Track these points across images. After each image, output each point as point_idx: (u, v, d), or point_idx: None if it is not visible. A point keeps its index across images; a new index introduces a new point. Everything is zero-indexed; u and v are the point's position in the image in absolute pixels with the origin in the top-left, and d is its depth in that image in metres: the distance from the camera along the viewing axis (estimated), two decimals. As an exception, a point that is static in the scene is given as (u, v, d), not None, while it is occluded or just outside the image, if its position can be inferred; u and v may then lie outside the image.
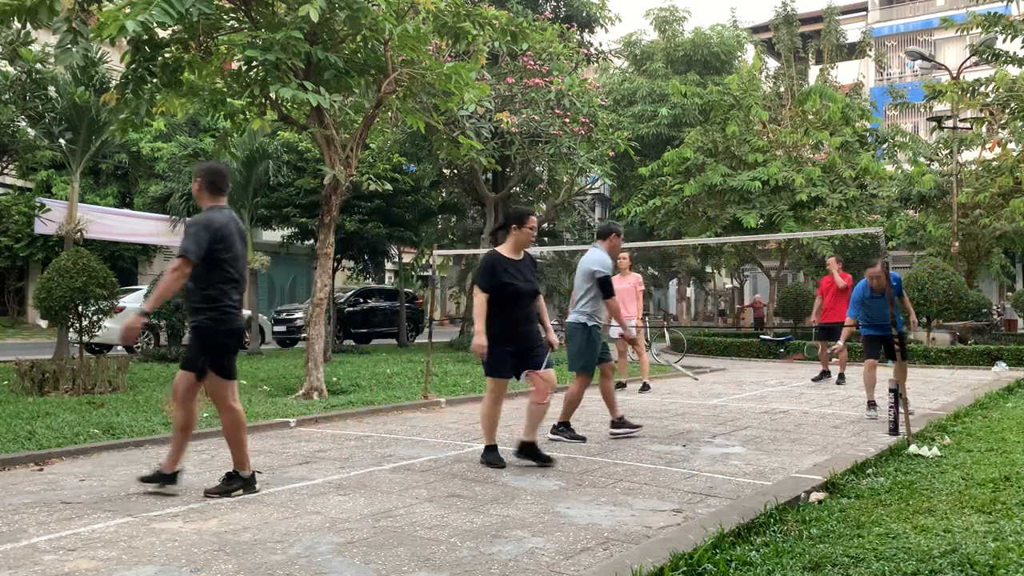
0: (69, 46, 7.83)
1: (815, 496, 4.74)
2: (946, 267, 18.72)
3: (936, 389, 11.33)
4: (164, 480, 4.98)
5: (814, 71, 31.98)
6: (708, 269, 34.48)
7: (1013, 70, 16.10)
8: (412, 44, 9.00)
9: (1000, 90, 14.89)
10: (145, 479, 4.99)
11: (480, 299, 5.73)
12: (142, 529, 4.22)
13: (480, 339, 5.67)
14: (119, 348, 16.25)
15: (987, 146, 21.55)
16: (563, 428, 7.07)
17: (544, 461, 5.84)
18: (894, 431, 7.01)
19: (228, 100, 9.96)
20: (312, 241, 16.98)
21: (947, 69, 22.76)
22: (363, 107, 10.34)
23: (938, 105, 17.69)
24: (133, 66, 8.59)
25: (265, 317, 20.51)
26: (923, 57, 21.36)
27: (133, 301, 15.95)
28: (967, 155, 24.31)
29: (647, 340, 12.07)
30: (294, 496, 4.97)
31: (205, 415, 7.89)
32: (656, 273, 37.67)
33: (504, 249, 5.98)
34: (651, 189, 22.16)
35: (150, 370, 12.43)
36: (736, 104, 20.56)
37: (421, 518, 4.46)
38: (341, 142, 9.73)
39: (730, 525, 3.97)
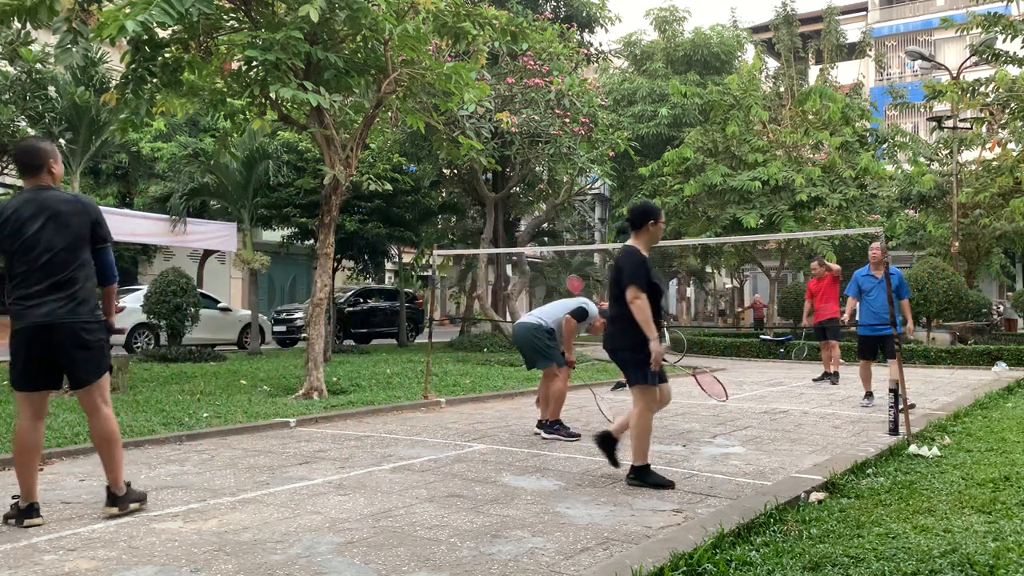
0: (69, 46, 7.83)
1: (815, 496, 4.74)
2: (946, 267, 18.73)
3: (936, 389, 11.33)
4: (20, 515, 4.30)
5: (814, 71, 31.99)
6: (708, 269, 34.48)
7: (1013, 70, 16.10)
8: (412, 44, 9.00)
9: (1000, 90, 14.89)
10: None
11: (644, 301, 5.10)
12: (142, 529, 4.22)
13: (658, 346, 5.07)
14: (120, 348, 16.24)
15: (987, 146, 21.54)
16: (558, 426, 7.16)
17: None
18: (894, 431, 7.01)
19: (228, 100, 9.97)
20: (312, 241, 16.97)
21: (947, 69, 22.76)
22: (363, 107, 10.34)
23: (938, 105, 17.70)
24: (133, 66, 8.58)
25: (265, 317, 20.51)
26: (923, 57, 21.36)
27: (133, 301, 15.97)
28: (967, 155, 24.30)
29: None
30: (294, 496, 4.97)
31: (205, 415, 7.90)
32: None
33: (640, 246, 5.37)
34: (651, 189, 22.16)
35: (150, 370, 12.43)
36: (736, 104, 20.56)
37: (421, 518, 4.46)
38: (341, 142, 9.73)
39: (730, 525, 3.97)
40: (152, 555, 3.80)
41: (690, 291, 43.11)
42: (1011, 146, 21.35)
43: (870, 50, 36.26)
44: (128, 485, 4.54)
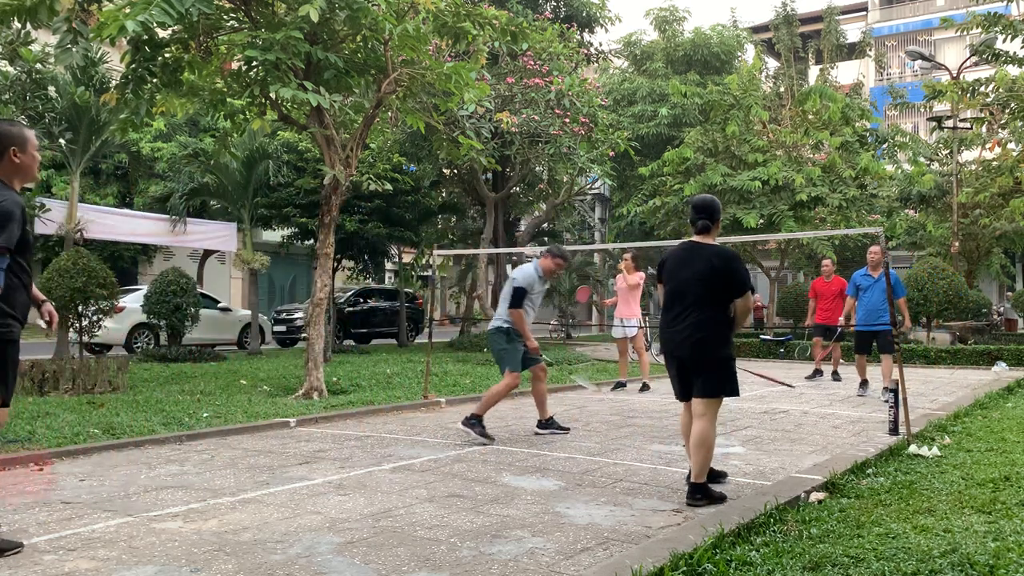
0: (69, 46, 7.83)
1: (815, 496, 4.74)
2: (946, 267, 18.71)
3: (936, 389, 11.33)
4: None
5: (814, 71, 31.96)
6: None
7: (1013, 70, 16.09)
8: (412, 44, 9.00)
9: (1000, 90, 14.88)
10: None
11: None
12: (142, 529, 4.22)
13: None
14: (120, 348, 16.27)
15: (987, 146, 21.53)
16: (475, 422, 6.94)
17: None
18: (894, 431, 7.01)
19: (228, 100, 9.97)
20: (312, 241, 16.97)
21: (947, 69, 22.75)
22: (363, 107, 10.34)
23: (938, 105, 17.68)
24: (133, 66, 8.59)
25: (265, 317, 20.52)
26: (923, 57, 21.35)
27: (133, 301, 15.96)
28: (967, 155, 24.29)
29: (647, 340, 12.08)
30: (294, 496, 4.97)
31: (205, 415, 7.90)
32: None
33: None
34: (651, 189, 22.15)
35: (150, 370, 12.43)
36: (736, 104, 20.55)
37: (421, 518, 4.46)
38: (341, 142, 9.73)
39: (730, 525, 3.97)
40: (152, 555, 3.80)
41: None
42: (1011, 146, 21.33)
43: (870, 50, 36.25)
44: None
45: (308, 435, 7.32)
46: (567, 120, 16.41)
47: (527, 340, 7.14)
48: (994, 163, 21.58)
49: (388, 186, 14.72)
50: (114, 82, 11.32)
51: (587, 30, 22.62)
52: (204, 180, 17.06)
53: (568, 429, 7.52)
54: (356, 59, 9.61)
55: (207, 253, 22.85)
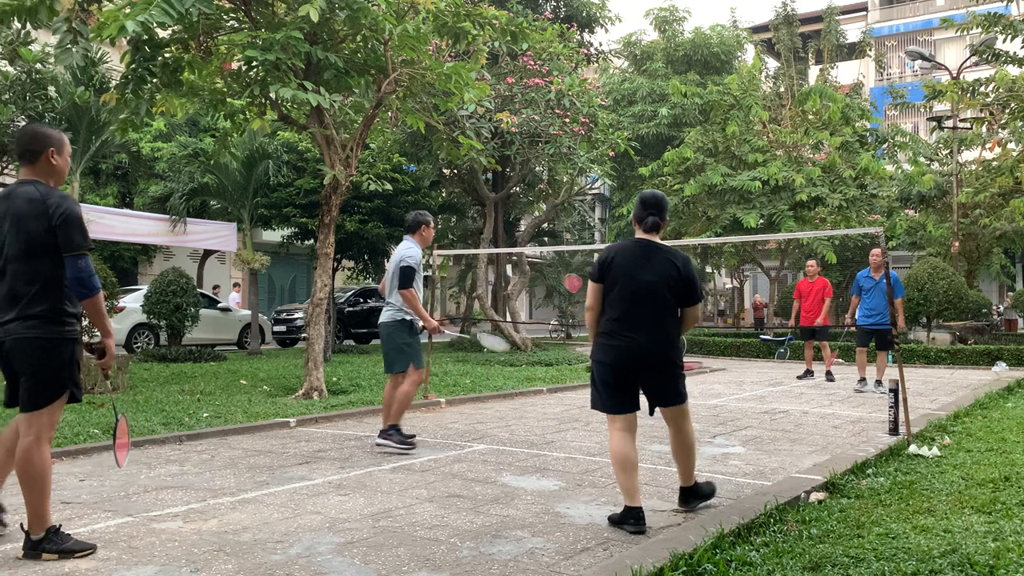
0: (69, 46, 7.82)
1: (815, 496, 4.74)
2: (946, 267, 18.72)
3: (936, 389, 11.33)
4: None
5: (814, 71, 31.96)
6: (708, 269, 34.45)
7: (1013, 70, 16.10)
8: (412, 44, 9.00)
9: (1000, 90, 14.88)
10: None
11: None
12: (142, 529, 4.22)
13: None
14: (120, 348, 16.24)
15: (987, 146, 21.52)
16: (394, 431, 6.49)
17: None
18: (894, 431, 7.01)
19: (228, 100, 9.96)
20: (312, 241, 16.97)
21: (947, 69, 22.75)
22: (363, 107, 10.33)
23: (938, 105, 17.69)
24: (133, 66, 8.58)
25: (265, 317, 20.51)
26: (923, 57, 21.35)
27: (133, 301, 15.96)
28: (967, 155, 24.29)
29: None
30: (294, 496, 4.97)
31: (205, 415, 7.90)
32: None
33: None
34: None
35: (150, 370, 12.43)
36: (736, 104, 20.56)
37: (421, 518, 4.46)
38: (341, 142, 9.73)
39: (730, 525, 3.97)
40: (152, 555, 3.80)
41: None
42: (1011, 146, 21.33)
43: (870, 50, 36.23)
44: (56, 531, 3.80)
45: (308, 435, 7.32)
46: (567, 120, 16.41)
47: (426, 321, 6.50)
48: (994, 163, 21.58)
49: (388, 186, 14.72)
50: (114, 82, 11.32)
51: (587, 30, 22.62)
52: (204, 180, 17.06)
53: (413, 443, 6.57)
54: (356, 59, 9.61)
55: (207, 253, 22.84)
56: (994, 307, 27.10)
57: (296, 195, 16.66)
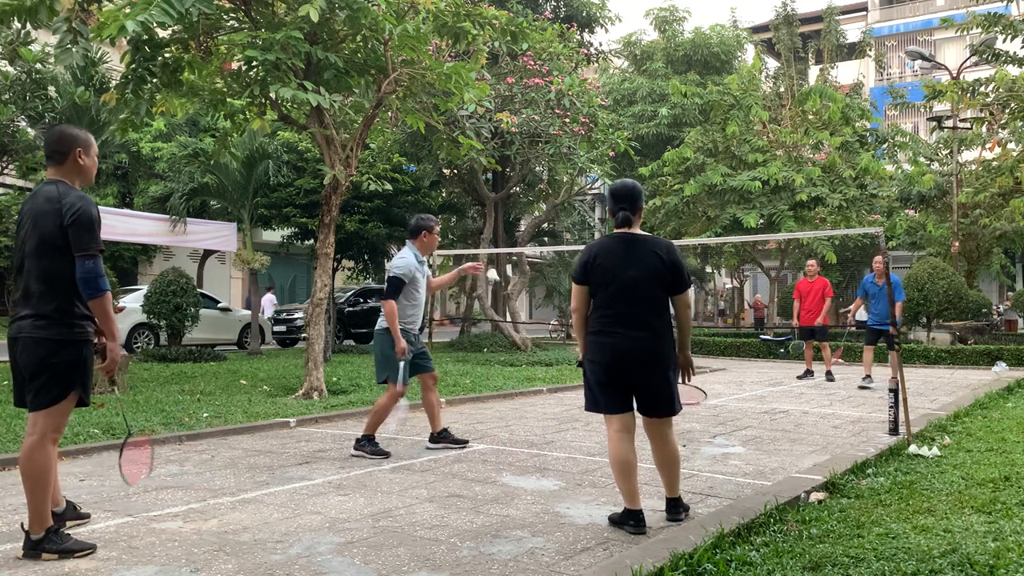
0: (69, 46, 7.83)
1: (815, 496, 4.74)
2: (946, 267, 18.72)
3: (936, 389, 11.33)
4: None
5: (814, 71, 31.96)
6: (708, 269, 34.48)
7: (1013, 70, 16.09)
8: (412, 44, 9.00)
9: (1000, 90, 14.88)
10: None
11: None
12: (142, 529, 4.22)
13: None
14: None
15: (987, 146, 21.53)
16: (366, 442, 6.28)
17: None
18: (894, 431, 7.01)
19: (228, 100, 9.96)
20: (312, 241, 16.97)
21: (947, 69, 22.75)
22: (363, 107, 10.33)
23: (938, 105, 17.67)
24: (133, 66, 8.59)
25: (265, 317, 20.50)
26: (923, 57, 21.35)
27: (133, 301, 15.97)
28: (967, 155, 24.29)
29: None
30: (294, 496, 4.97)
31: (205, 415, 7.90)
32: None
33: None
34: (651, 189, 22.15)
35: (150, 370, 12.43)
36: (736, 104, 20.55)
37: (421, 518, 4.46)
38: (341, 142, 9.73)
39: (730, 525, 3.97)
40: (152, 555, 3.80)
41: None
42: (1011, 146, 21.33)
43: (870, 50, 36.23)
44: (56, 531, 3.80)
45: (308, 435, 7.32)
46: (567, 120, 16.40)
47: (396, 341, 6.10)
48: (994, 163, 21.59)
49: (388, 186, 14.71)
50: (114, 82, 11.33)
51: (587, 30, 22.60)
52: (204, 180, 17.06)
53: (466, 442, 6.69)
54: (356, 59, 9.61)
55: (207, 253, 22.84)
56: (994, 307, 27.10)
57: (296, 195, 16.66)
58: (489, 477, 5.53)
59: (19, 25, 8.09)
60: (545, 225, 23.77)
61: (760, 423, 8.11)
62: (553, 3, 22.17)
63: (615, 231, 4.44)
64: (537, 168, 20.23)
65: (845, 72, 34.35)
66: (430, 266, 7.76)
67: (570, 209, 25.13)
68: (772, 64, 35.12)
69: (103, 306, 3.79)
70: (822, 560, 3.53)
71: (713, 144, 20.74)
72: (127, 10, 7.27)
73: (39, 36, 11.85)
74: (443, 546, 3.95)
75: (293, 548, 3.91)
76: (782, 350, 17.81)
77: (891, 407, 7.11)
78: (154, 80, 8.91)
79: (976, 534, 3.91)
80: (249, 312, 18.44)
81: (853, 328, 11.35)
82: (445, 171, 19.78)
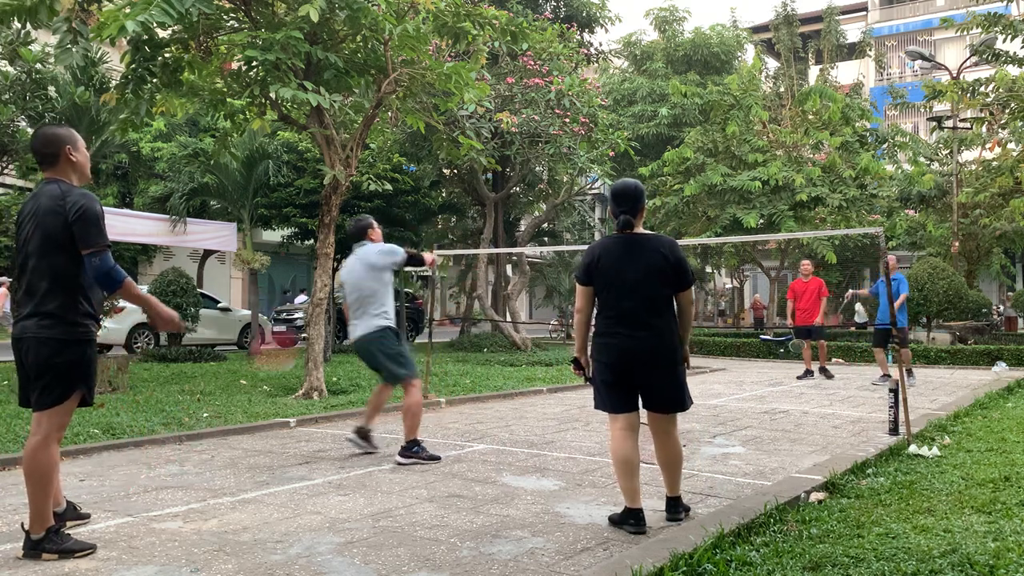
0: (69, 46, 7.83)
1: (815, 496, 4.74)
2: (946, 267, 18.73)
3: (936, 389, 11.33)
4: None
5: (814, 71, 31.97)
6: (708, 269, 34.47)
7: (1013, 70, 16.10)
8: (412, 44, 9.00)
9: (1000, 90, 14.89)
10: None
11: None
12: (142, 529, 4.22)
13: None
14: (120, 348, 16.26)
15: (987, 146, 21.53)
16: (417, 447, 6.06)
17: None
18: (894, 431, 7.01)
19: (228, 100, 9.96)
20: (312, 241, 16.96)
21: (947, 69, 22.75)
22: (363, 107, 10.34)
23: (938, 105, 17.67)
24: (133, 66, 8.59)
25: (265, 317, 20.49)
26: (923, 57, 21.35)
27: (133, 301, 15.94)
28: (967, 155, 24.29)
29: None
30: (294, 496, 4.97)
31: (205, 415, 7.90)
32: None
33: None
34: (651, 189, 22.15)
35: (150, 370, 12.43)
36: (736, 104, 20.55)
37: (421, 518, 4.46)
38: (341, 142, 9.73)
39: (730, 525, 3.97)
40: (152, 555, 3.80)
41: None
42: (1011, 146, 21.33)
43: (870, 50, 36.24)
44: (56, 531, 3.79)
45: (308, 435, 7.32)
46: (567, 120, 16.40)
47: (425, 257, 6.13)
48: (994, 163, 21.58)
49: (388, 186, 14.71)
50: (114, 82, 11.33)
51: (587, 30, 22.60)
52: (204, 180, 17.06)
53: (377, 449, 6.39)
54: (356, 59, 9.61)
55: (207, 253, 22.84)
56: (994, 307, 27.10)
57: (296, 195, 16.66)
58: (489, 477, 5.53)
59: (19, 25, 8.09)
60: (545, 225, 23.76)
61: (760, 423, 8.11)
62: (553, 3, 22.16)
63: (618, 232, 4.43)
64: (537, 168, 20.23)
65: (845, 72, 34.35)
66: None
67: (570, 209, 25.13)
68: (772, 64, 35.13)
69: (129, 293, 3.82)
70: (822, 560, 3.53)
71: (713, 144, 20.74)
72: (127, 10, 7.27)
73: (39, 36, 11.85)
74: (443, 546, 3.95)
75: (293, 548, 3.91)
76: (782, 350, 17.81)
77: (891, 407, 7.11)
78: (154, 80, 8.92)
79: (976, 534, 3.91)
80: (249, 312, 18.43)
81: (853, 328, 11.40)
82: (445, 171, 19.78)
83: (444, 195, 21.22)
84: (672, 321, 4.36)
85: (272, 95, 8.94)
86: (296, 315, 20.84)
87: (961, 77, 18.74)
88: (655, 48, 28.78)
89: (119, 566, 3.65)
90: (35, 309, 3.74)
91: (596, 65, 24.86)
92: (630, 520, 4.21)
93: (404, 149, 18.21)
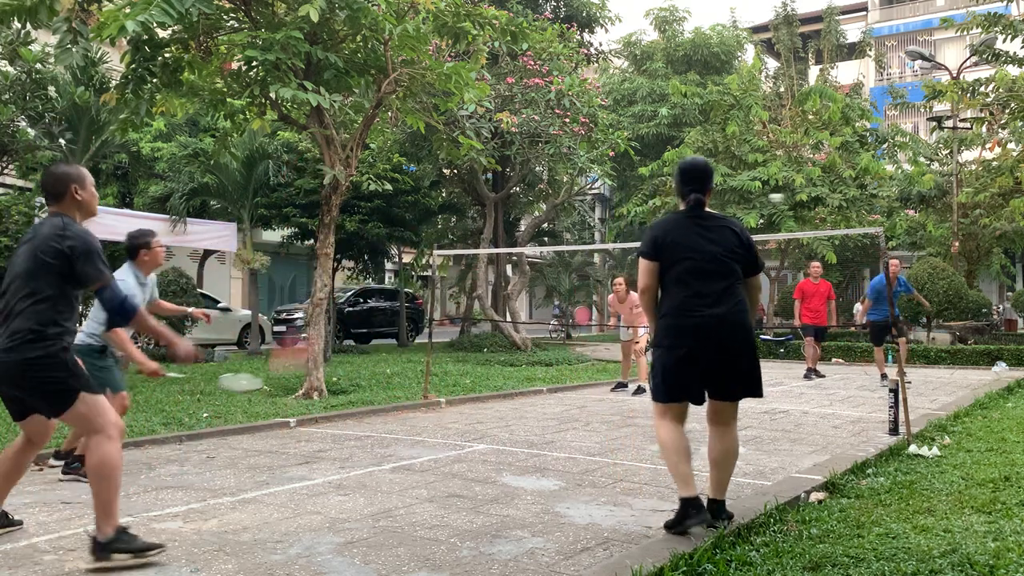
0: (69, 46, 7.82)
1: (815, 496, 4.74)
2: (946, 267, 18.72)
3: (936, 389, 11.33)
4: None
5: (814, 71, 31.94)
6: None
7: (1013, 70, 16.09)
8: (412, 44, 9.00)
9: (1000, 90, 14.88)
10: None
11: None
12: (142, 529, 4.22)
13: None
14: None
15: (987, 146, 21.52)
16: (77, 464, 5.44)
17: None
18: (894, 431, 7.01)
19: (228, 100, 9.96)
20: (312, 241, 16.96)
21: (947, 69, 22.74)
22: (363, 107, 10.33)
23: (938, 105, 17.68)
24: (133, 66, 8.59)
25: (265, 317, 20.49)
26: (923, 57, 21.35)
27: (133, 301, 15.93)
28: (967, 155, 24.27)
29: (648, 343, 12.06)
30: (294, 496, 4.97)
31: (205, 415, 7.90)
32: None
33: None
34: (651, 189, 22.14)
35: (150, 370, 12.41)
36: (736, 104, 20.54)
37: (421, 518, 4.46)
38: (341, 142, 9.73)
39: (730, 525, 3.97)
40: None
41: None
42: (1011, 146, 21.32)
43: (870, 50, 36.22)
44: (125, 530, 3.77)
45: (308, 435, 7.32)
46: (567, 120, 16.40)
47: (142, 364, 5.37)
48: (994, 163, 21.57)
49: (388, 186, 14.70)
50: (114, 82, 11.32)
51: (587, 30, 22.59)
52: (204, 180, 17.05)
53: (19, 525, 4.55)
54: (356, 59, 9.61)
55: (207, 253, 22.84)
56: (994, 307, 27.09)
57: (296, 195, 16.66)
58: (489, 477, 5.53)
59: (19, 25, 8.09)
60: (545, 225, 23.77)
61: (760, 423, 8.11)
62: (553, 3, 22.16)
63: (684, 208, 4.19)
64: (537, 168, 20.23)
65: (845, 72, 34.33)
66: (430, 266, 7.70)
67: (570, 209, 25.12)
68: (772, 64, 35.10)
69: (141, 323, 3.92)
70: (822, 560, 3.53)
71: (713, 144, 20.73)
72: (127, 10, 7.27)
73: (39, 36, 11.85)
74: (443, 546, 3.95)
75: (293, 548, 3.91)
76: (782, 350, 17.81)
77: (891, 407, 7.10)
78: (154, 80, 8.91)
79: (976, 534, 3.91)
80: (249, 312, 18.42)
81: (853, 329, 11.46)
82: (445, 171, 19.78)
83: (444, 195, 21.22)
84: (746, 301, 4.12)
85: (272, 95, 8.94)
86: (296, 315, 20.84)
87: (961, 77, 18.74)
88: (655, 48, 28.77)
89: (119, 566, 3.64)
90: (6, 329, 3.69)
91: (596, 65, 24.86)
92: (691, 511, 3.89)
93: (404, 149, 18.21)
